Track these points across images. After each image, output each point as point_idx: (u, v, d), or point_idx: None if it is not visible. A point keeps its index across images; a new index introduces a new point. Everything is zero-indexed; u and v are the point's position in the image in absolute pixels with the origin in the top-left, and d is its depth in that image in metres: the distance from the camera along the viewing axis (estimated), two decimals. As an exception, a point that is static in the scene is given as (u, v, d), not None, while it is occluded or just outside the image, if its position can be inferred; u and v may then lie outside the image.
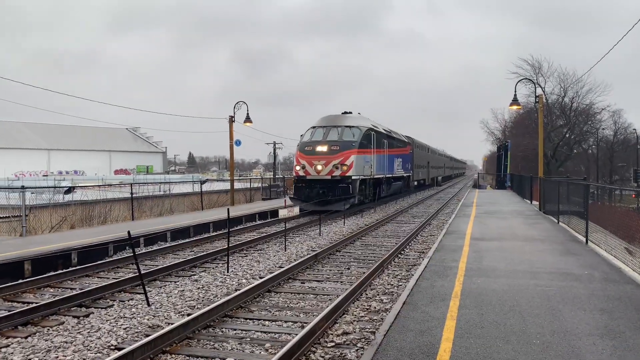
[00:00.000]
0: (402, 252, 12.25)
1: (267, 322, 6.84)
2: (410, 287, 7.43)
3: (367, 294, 8.24)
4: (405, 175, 32.55)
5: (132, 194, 20.03)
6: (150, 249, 12.74)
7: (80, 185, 27.18)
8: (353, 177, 20.45)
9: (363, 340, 6.01)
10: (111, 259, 11.42)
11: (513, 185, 39.04)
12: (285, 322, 6.85)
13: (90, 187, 24.43)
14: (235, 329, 6.56)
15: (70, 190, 22.93)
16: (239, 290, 8.30)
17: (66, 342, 6.09)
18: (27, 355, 5.70)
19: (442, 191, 44.13)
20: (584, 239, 11.79)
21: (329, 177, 20.31)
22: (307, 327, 5.95)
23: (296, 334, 5.92)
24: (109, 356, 5.59)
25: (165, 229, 14.60)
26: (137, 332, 6.46)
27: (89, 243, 11.90)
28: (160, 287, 8.87)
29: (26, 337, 6.33)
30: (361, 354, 5.52)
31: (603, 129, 54.54)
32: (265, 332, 6.42)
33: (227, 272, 10.05)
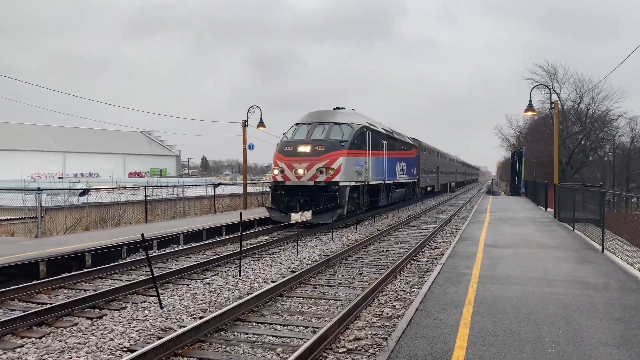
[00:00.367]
0: (415, 258, 12.18)
1: (278, 327, 6.83)
2: (423, 294, 7.37)
3: (379, 300, 8.20)
4: (410, 181, 29.37)
5: (145, 196, 20.20)
6: (163, 252, 12.81)
7: (94, 187, 27.44)
8: (341, 183, 17.21)
9: (375, 346, 5.97)
10: (124, 261, 11.50)
11: (527, 191, 38.70)
12: (297, 326, 6.83)
13: (105, 190, 24.64)
14: (247, 333, 6.55)
15: (85, 192, 23.15)
16: (251, 294, 8.31)
17: (79, 343, 6.13)
18: (42, 356, 5.75)
19: (455, 197, 43.85)
20: (600, 247, 11.63)
21: (311, 183, 17.08)
22: (319, 332, 5.92)
23: (308, 339, 5.90)
24: (121, 358, 5.62)
25: (178, 232, 14.67)
26: (149, 335, 6.49)
27: (103, 245, 11.99)
28: (173, 290, 8.90)
29: (40, 338, 6.38)
30: (373, 360, 5.48)
31: (619, 135, 53.84)
32: (277, 337, 6.41)
33: (239, 275, 10.06)
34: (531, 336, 5.51)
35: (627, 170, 60.12)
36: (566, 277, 8.61)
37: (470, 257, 10.47)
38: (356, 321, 6.98)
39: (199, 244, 14.13)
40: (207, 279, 9.81)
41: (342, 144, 17.58)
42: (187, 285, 9.34)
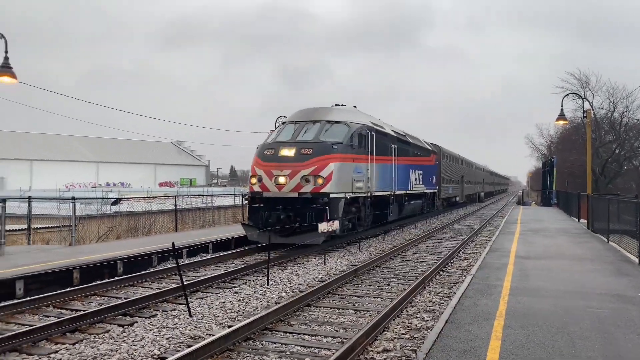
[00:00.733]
0: (444, 269, 12.03)
1: (306, 337, 6.82)
2: (453, 305, 7.26)
3: (408, 311, 8.12)
4: (427, 191, 26.22)
5: (175, 206, 20.51)
6: (192, 260, 12.94)
7: (126, 196, 28.01)
8: (333, 195, 13.95)
9: (404, 358, 5.91)
10: (155, 270, 11.67)
11: (559, 202, 37.86)
12: (325, 337, 6.81)
13: (136, 199, 25.13)
14: (275, 342, 6.56)
15: (117, 201, 23.64)
16: (279, 303, 8.32)
17: (111, 350, 6.23)
18: (75, 362, 5.86)
19: (484, 208, 43.19)
20: (636, 260, 11.27)
21: (295, 194, 13.88)
22: (348, 343, 5.89)
23: (336, 350, 5.87)
24: (152, 365, 5.69)
25: (207, 241, 14.82)
26: (179, 343, 6.56)
27: (134, 253, 12.20)
28: (202, 299, 8.99)
29: (74, 344, 6.52)
30: (402, 372, 5.42)
31: (656, 144, 52.27)
32: (304, 347, 6.40)
33: (267, 285, 10.10)
34: (565, 350, 5.36)
35: (664, 180, 58.27)
36: (601, 290, 8.37)
37: (501, 269, 10.28)
38: (385, 332, 6.92)
39: (228, 252, 14.24)
40: (236, 288, 9.87)
41: (335, 146, 14.38)
42: (216, 293, 9.42)
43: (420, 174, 24.24)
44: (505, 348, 5.43)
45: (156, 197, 28.92)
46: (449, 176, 34.03)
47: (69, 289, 9.54)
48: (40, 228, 17.70)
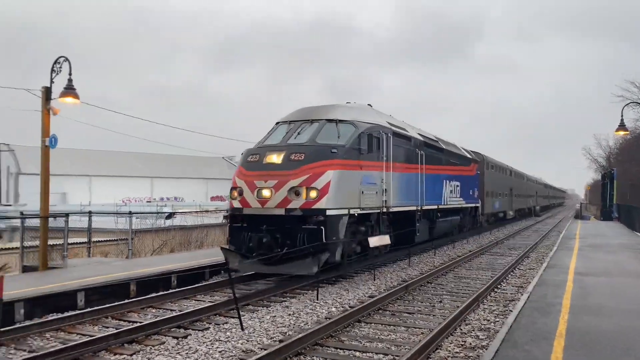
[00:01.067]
0: (499, 286, 11.67)
1: (357, 353, 6.75)
2: (509, 324, 7.02)
3: (461, 329, 7.91)
4: (467, 205, 22.90)
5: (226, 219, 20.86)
6: (243, 274, 13.10)
7: (179, 211, 28.79)
8: (330, 212, 10.95)
9: (458, 377, 5.75)
10: (207, 283, 11.89)
11: (621, 216, 36.13)
12: (376, 353, 6.72)
13: (189, 213, 25.78)
14: (326, 358, 6.53)
15: (171, 215, 24.33)
16: (329, 318, 8.29)
17: (167, 362, 6.37)
18: (132, 372, 6.03)
19: (539, 222, 41.73)
20: None
21: (281, 210, 11.01)
22: (400, 361, 5.79)
23: (388, 367, 5.78)
24: (205, 378, 5.77)
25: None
26: (231, 356, 6.63)
27: (187, 267, 12.49)
28: (253, 312, 9.07)
29: (131, 355, 6.71)
30: (457, 392, 5.27)
31: None
32: (356, 363, 6.34)
33: (317, 299, 10.09)
34: (632, 374, 5.08)
35: None
36: (670, 310, 7.88)
37: (560, 286, 9.87)
38: (438, 351, 6.77)
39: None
40: (286, 302, 9.92)
41: (335, 150, 11.42)
42: (267, 307, 9.49)
43: (458, 186, 20.96)
44: (567, 370, 5.19)
45: (208, 210, 29.58)
46: (494, 188, 31.00)
47: (126, 300, 9.85)
48: (99, 241, 18.43)
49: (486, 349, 6.31)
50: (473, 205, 24.16)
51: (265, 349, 6.56)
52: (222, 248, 11.92)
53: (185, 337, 7.55)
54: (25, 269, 12.77)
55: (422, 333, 7.66)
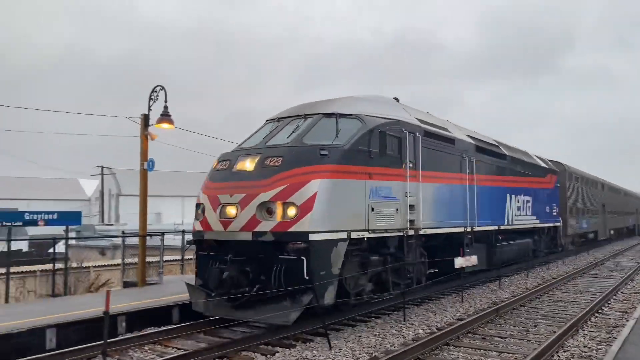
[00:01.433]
0: (600, 311, 10.87)
1: (447, 377, 6.54)
2: (614, 352, 6.52)
3: (559, 356, 7.45)
4: (542, 225, 19.25)
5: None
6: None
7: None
8: (316, 236, 8.12)
9: (558, 408, 5.39)
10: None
11: None
12: (467, 379, 6.47)
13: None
14: (414, 381, 6.39)
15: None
16: (416, 340, 8.12)
17: (256, 378, 6.51)
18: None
19: (644, 242, 38.43)
20: None
21: (247, 235, 8.39)
22: (493, 387, 5.54)
23: (480, 394, 5.55)
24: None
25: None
26: (318, 375, 6.66)
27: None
28: (338, 332, 9.07)
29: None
30: None
31: None
32: (445, 388, 6.14)
33: (404, 321, 9.91)
34: None
35: None
36: None
37: (672, 313, 9.02)
38: (534, 378, 6.40)
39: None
40: (371, 322, 9.83)
41: (325, 151, 8.64)
42: (352, 327, 9.45)
43: (528, 201, 17.48)
44: (684, 406, 4.71)
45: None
46: (581, 204, 26.66)
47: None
48: (191, 259, 19.29)
49: (588, 379, 5.88)
50: (551, 224, 20.55)
51: (351, 369, 6.53)
52: (187, 284, 9.37)
53: (274, 354, 7.69)
54: (126, 285, 13.68)
55: (515, 359, 7.29)
